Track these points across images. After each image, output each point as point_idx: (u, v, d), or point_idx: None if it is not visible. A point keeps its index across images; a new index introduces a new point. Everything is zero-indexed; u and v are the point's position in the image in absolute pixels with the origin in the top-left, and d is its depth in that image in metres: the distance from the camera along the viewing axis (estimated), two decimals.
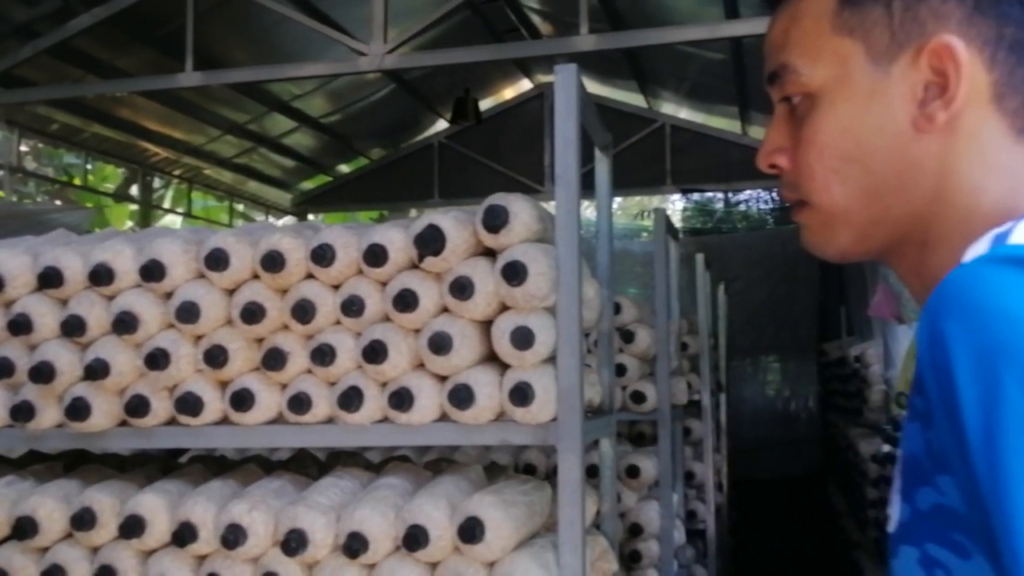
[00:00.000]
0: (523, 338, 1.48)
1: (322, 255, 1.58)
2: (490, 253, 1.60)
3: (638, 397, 2.93)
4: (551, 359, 1.52)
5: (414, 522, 1.48)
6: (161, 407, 1.65)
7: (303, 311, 1.58)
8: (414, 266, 1.57)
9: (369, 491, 1.58)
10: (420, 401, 1.52)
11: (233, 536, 1.54)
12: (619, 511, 2.71)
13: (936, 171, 0.66)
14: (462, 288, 1.50)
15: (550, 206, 1.59)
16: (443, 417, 1.55)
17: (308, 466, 1.91)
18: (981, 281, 0.54)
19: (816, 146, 0.69)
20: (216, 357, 1.61)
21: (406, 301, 1.52)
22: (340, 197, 8.41)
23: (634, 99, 7.53)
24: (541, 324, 1.49)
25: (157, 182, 7.30)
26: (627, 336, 2.97)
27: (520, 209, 1.52)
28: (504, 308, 1.54)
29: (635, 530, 2.75)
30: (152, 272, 1.63)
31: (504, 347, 1.50)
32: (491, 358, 1.57)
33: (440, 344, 1.49)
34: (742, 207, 9.29)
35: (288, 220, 8.58)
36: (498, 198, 1.53)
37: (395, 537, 1.51)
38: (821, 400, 7.60)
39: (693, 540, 3.76)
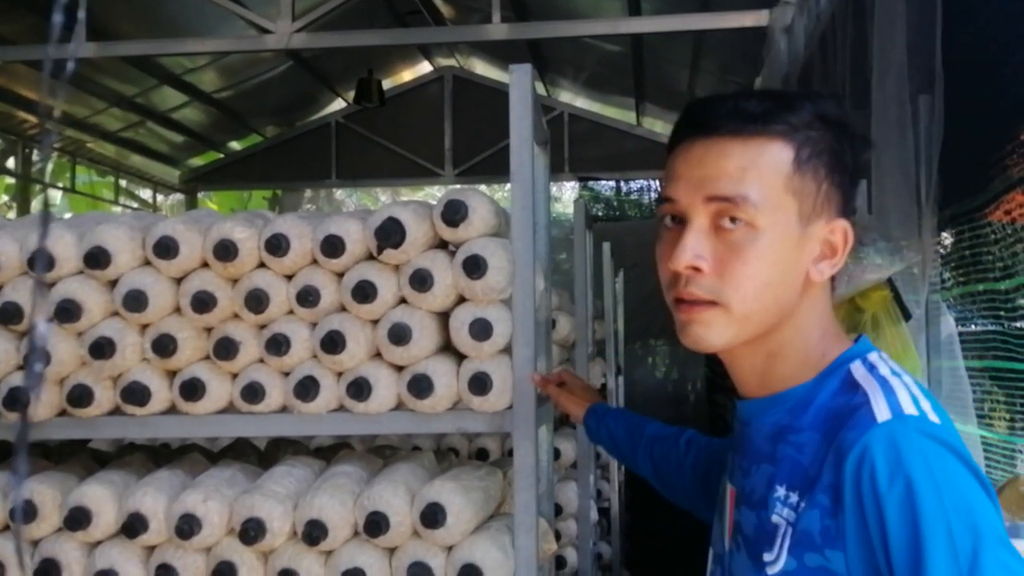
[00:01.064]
0: (482, 330, 1.53)
1: (276, 245, 1.58)
2: (444, 245, 1.64)
3: None
4: (506, 349, 1.57)
5: (375, 508, 1.51)
6: (105, 397, 1.62)
7: (256, 301, 1.58)
8: (371, 257, 1.59)
9: (325, 479, 1.60)
10: (378, 390, 1.55)
11: (188, 526, 1.53)
12: None
13: (802, 308, 0.94)
14: (422, 280, 1.53)
15: (454, 190, 1.62)
16: (399, 406, 1.58)
17: (248, 455, 1.91)
18: (918, 451, 0.83)
19: (752, 268, 0.91)
20: (165, 346, 1.59)
21: (365, 292, 1.54)
22: (231, 175, 8.17)
23: None
24: (498, 316, 1.54)
25: (36, 155, 6.90)
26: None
27: (479, 204, 1.56)
28: (460, 300, 1.58)
29: (555, 511, 2.85)
30: (96, 259, 1.59)
31: (463, 338, 1.54)
32: (446, 348, 1.61)
33: (400, 335, 1.53)
34: (633, 196, 9.55)
35: (176, 197, 8.28)
36: (456, 193, 1.57)
37: (353, 524, 1.54)
38: (708, 382, 7.93)
39: (598, 518, 3.90)
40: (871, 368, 0.93)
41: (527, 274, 1.56)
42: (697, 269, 0.92)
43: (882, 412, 0.86)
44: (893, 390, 0.89)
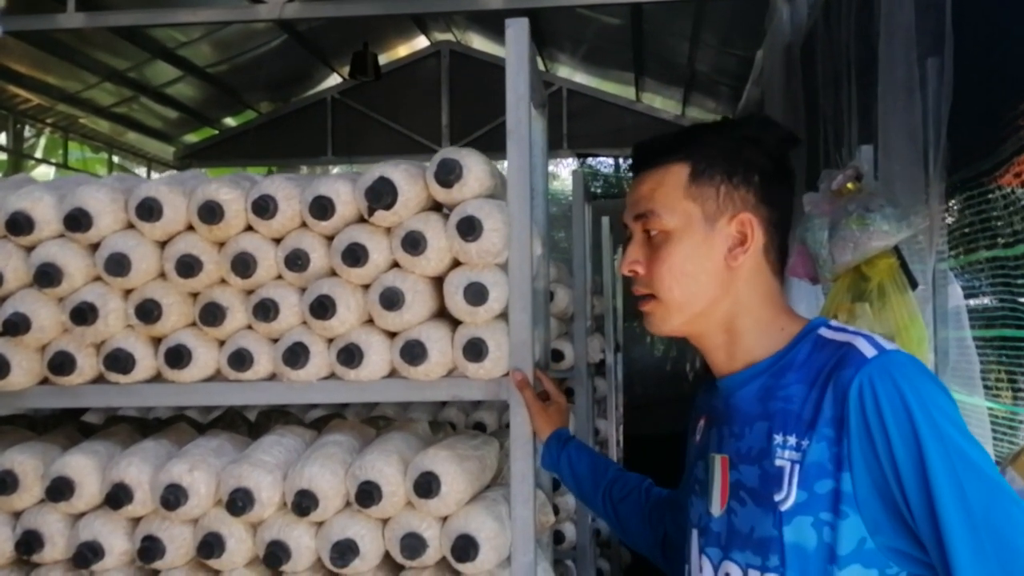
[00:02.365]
0: (477, 294, 1.47)
1: (264, 206, 1.52)
2: (438, 207, 1.58)
3: (556, 355, 2.97)
4: (503, 315, 1.52)
5: (367, 478, 1.46)
6: (88, 364, 1.56)
7: (243, 265, 1.53)
8: (362, 219, 1.53)
9: (315, 448, 1.55)
10: (370, 357, 1.50)
11: (173, 496, 1.48)
12: None
13: (734, 290, 1.16)
14: (415, 243, 1.47)
15: (448, 150, 1.56)
16: (392, 373, 1.53)
17: (239, 426, 1.86)
18: (905, 375, 1.03)
19: (668, 264, 1.16)
20: (149, 312, 1.54)
21: (356, 255, 1.49)
22: (226, 151, 8.07)
23: None
24: (494, 280, 1.49)
25: (28, 130, 6.82)
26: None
27: (474, 163, 1.50)
28: (455, 264, 1.53)
29: (554, 485, 2.80)
30: (77, 222, 1.53)
31: (457, 303, 1.49)
32: (441, 314, 1.56)
33: (392, 299, 1.47)
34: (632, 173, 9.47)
35: (171, 174, 8.20)
36: (450, 152, 1.51)
37: (345, 494, 1.49)
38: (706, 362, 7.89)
39: None
40: (838, 329, 1.13)
41: (524, 237, 1.50)
42: (635, 272, 1.19)
43: (868, 350, 1.05)
44: (869, 335, 1.09)
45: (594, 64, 7.66)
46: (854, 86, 2.84)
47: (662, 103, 7.85)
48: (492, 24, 7.19)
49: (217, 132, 8.17)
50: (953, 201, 2.21)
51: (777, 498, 1.07)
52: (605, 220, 4.32)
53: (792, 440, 1.07)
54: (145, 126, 7.64)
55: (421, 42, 7.82)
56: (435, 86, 7.68)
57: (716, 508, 1.16)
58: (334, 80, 7.88)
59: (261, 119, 7.98)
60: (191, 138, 8.18)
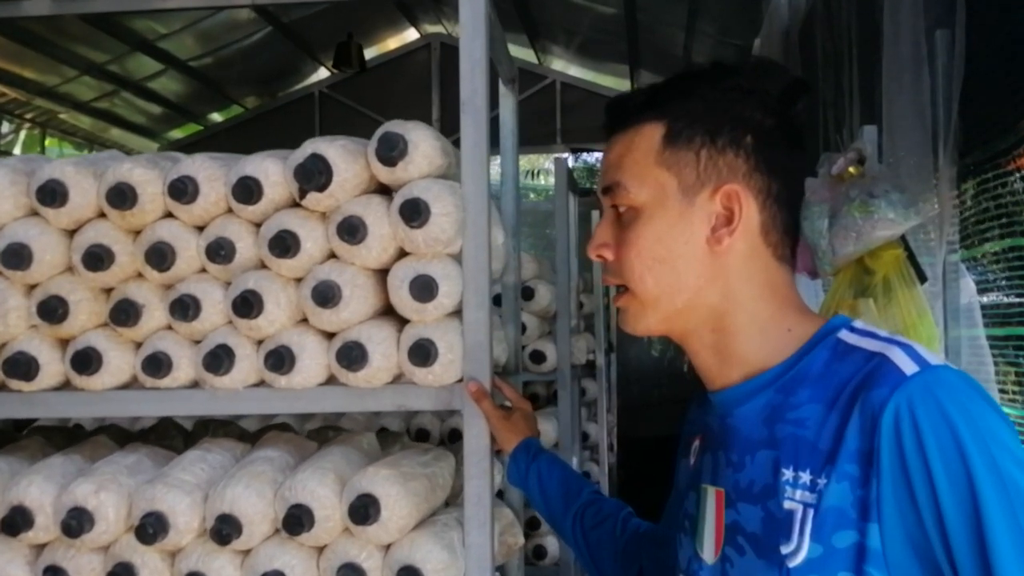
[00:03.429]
0: (424, 288, 1.28)
1: (182, 189, 1.33)
2: (384, 191, 1.39)
3: (537, 357, 2.78)
4: (456, 313, 1.33)
5: (296, 501, 1.27)
6: None
7: (160, 256, 1.33)
8: (294, 204, 1.35)
9: (242, 466, 1.36)
10: (302, 361, 1.31)
11: (77, 522, 1.29)
12: None
13: (723, 280, 0.92)
14: (353, 230, 1.28)
15: (392, 123, 1.37)
16: (330, 380, 1.34)
17: (172, 437, 1.67)
18: (957, 401, 0.78)
19: (636, 248, 0.93)
20: (53, 310, 1.35)
21: (285, 244, 1.29)
22: (211, 148, 7.55)
23: (524, 54, 7.33)
24: (445, 272, 1.30)
25: (5, 126, 6.63)
26: (526, 293, 2.81)
27: (420, 138, 1.31)
28: (402, 254, 1.33)
29: None
30: None
31: (402, 298, 1.30)
32: (386, 312, 1.37)
33: (327, 295, 1.28)
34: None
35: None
36: (394, 125, 1.32)
37: (274, 519, 1.30)
38: None
39: None
40: (865, 333, 0.89)
41: (480, 222, 1.31)
42: (602, 257, 0.97)
43: (907, 365, 0.81)
44: (908, 344, 0.85)
45: (588, 56, 7.47)
46: (856, 66, 2.65)
47: None
48: None
49: (202, 128, 7.97)
50: (965, 186, 2.02)
51: (784, 550, 0.84)
52: (595, 214, 4.13)
53: (805, 477, 0.84)
54: (127, 121, 7.45)
55: (411, 35, 7.63)
56: (425, 80, 7.48)
57: (708, 554, 0.93)
58: (322, 74, 7.69)
59: (247, 114, 7.79)
60: (176, 134, 7.99)
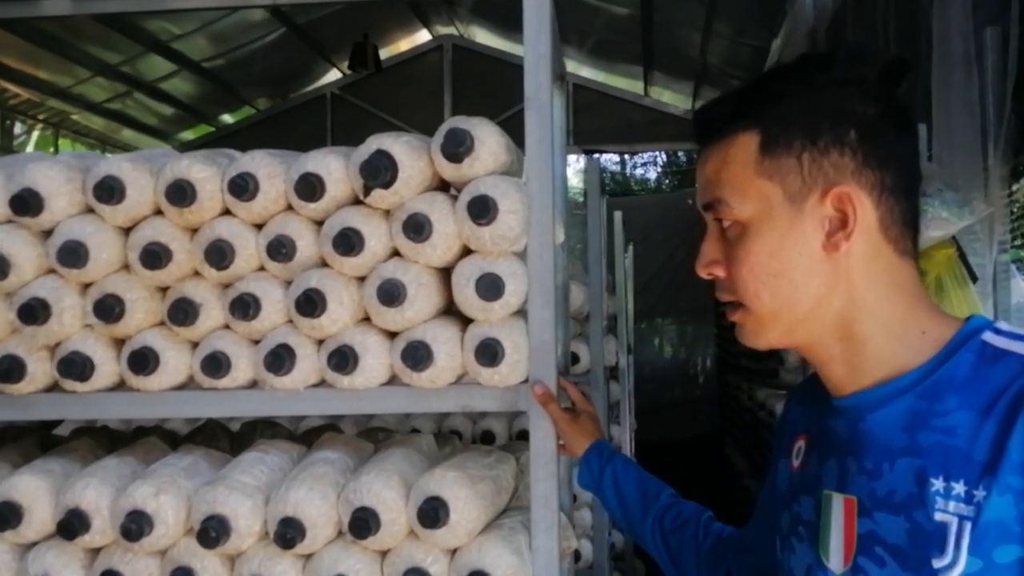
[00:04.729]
0: (491, 286, 1.26)
1: (243, 186, 1.30)
2: (445, 188, 1.37)
3: (572, 358, 2.75)
4: (520, 312, 1.31)
5: (362, 504, 1.24)
6: (40, 370, 1.35)
7: (219, 254, 1.31)
8: (356, 201, 1.32)
9: (303, 468, 1.33)
10: (366, 361, 1.28)
11: (136, 525, 1.26)
12: None
13: (845, 285, 0.87)
14: (419, 227, 1.26)
15: (457, 119, 1.35)
16: (392, 380, 1.31)
17: (219, 439, 1.64)
18: None
19: (748, 264, 0.89)
20: (110, 309, 1.32)
21: (350, 242, 1.27)
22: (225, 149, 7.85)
23: None
24: (511, 271, 1.27)
25: (19, 127, 6.62)
26: None
27: (486, 135, 1.29)
28: (465, 252, 1.31)
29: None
30: (27, 204, 1.32)
31: (468, 297, 1.27)
32: (448, 311, 1.35)
33: (392, 294, 1.26)
34: (639, 171, 9.27)
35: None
36: (460, 121, 1.29)
37: (337, 522, 1.28)
38: (719, 362, 7.68)
39: None
40: (1015, 336, 0.85)
41: (545, 219, 1.29)
42: (713, 274, 0.94)
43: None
44: None
45: (601, 57, 7.45)
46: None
47: (671, 97, 7.63)
48: (496, 17, 6.98)
49: (214, 129, 7.96)
50: (1017, 185, 1.99)
51: (937, 564, 0.81)
52: (618, 215, 4.10)
53: (959, 488, 0.80)
54: (140, 123, 7.44)
55: (423, 36, 7.62)
56: (437, 81, 7.47)
57: (836, 563, 0.89)
58: (334, 75, 7.68)
59: (259, 116, 7.78)
60: (188, 135, 7.97)
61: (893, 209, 0.89)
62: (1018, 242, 2.02)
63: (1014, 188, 1.99)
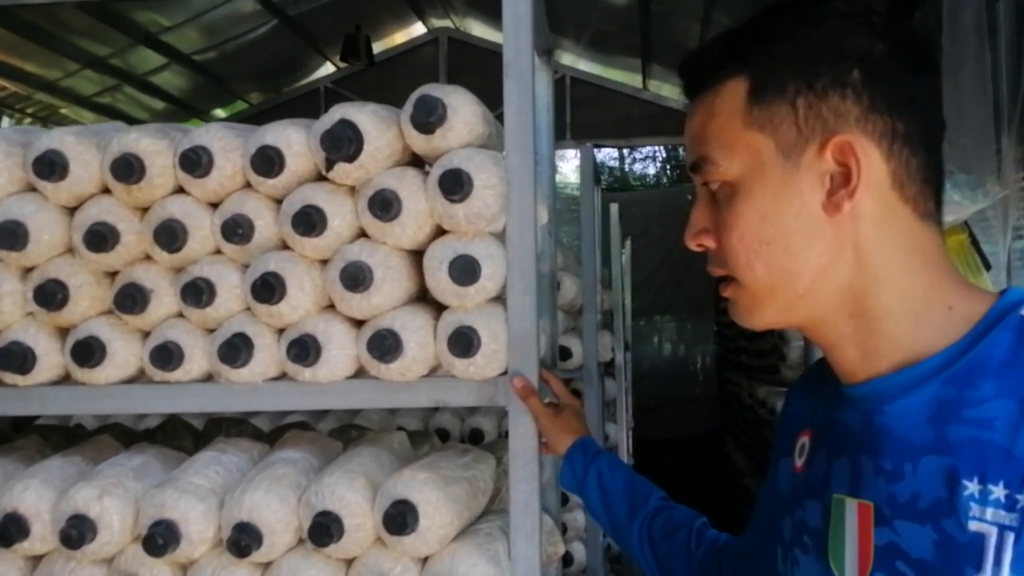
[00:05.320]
0: (466, 269, 1.15)
1: (195, 161, 1.20)
2: (417, 163, 1.26)
3: (563, 353, 2.64)
4: (498, 298, 1.20)
5: (323, 508, 1.13)
6: None
7: (170, 235, 1.20)
8: (320, 177, 1.21)
9: (261, 469, 1.22)
10: (329, 352, 1.17)
11: (77, 531, 1.16)
12: None
13: (853, 252, 0.76)
14: (386, 204, 1.15)
15: (428, 86, 1.23)
16: (359, 372, 1.20)
17: (181, 437, 1.53)
18: None
19: (738, 230, 0.78)
20: (52, 296, 1.21)
21: (311, 221, 1.16)
22: None
23: None
24: (488, 252, 1.16)
25: (6, 121, 6.51)
26: None
27: (460, 103, 1.18)
28: (439, 233, 1.20)
29: (561, 499, 2.48)
30: None
31: (440, 281, 1.16)
32: (421, 297, 1.24)
33: (357, 278, 1.15)
34: (638, 167, 9.16)
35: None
36: (431, 88, 1.19)
37: (298, 528, 1.17)
38: (718, 359, 7.58)
39: None
40: None
41: (526, 197, 1.18)
42: (703, 245, 0.83)
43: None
44: None
45: (599, 50, 7.33)
46: None
47: (670, 90, 7.51)
48: (491, 10, 6.86)
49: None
50: None
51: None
52: (614, 207, 3.99)
53: (998, 492, 0.68)
54: (130, 117, 7.30)
55: (418, 28, 7.51)
56: (433, 74, 7.35)
57: None
58: (327, 69, 7.57)
59: (252, 110, 7.67)
60: None
61: (909, 162, 0.76)
62: None
63: None
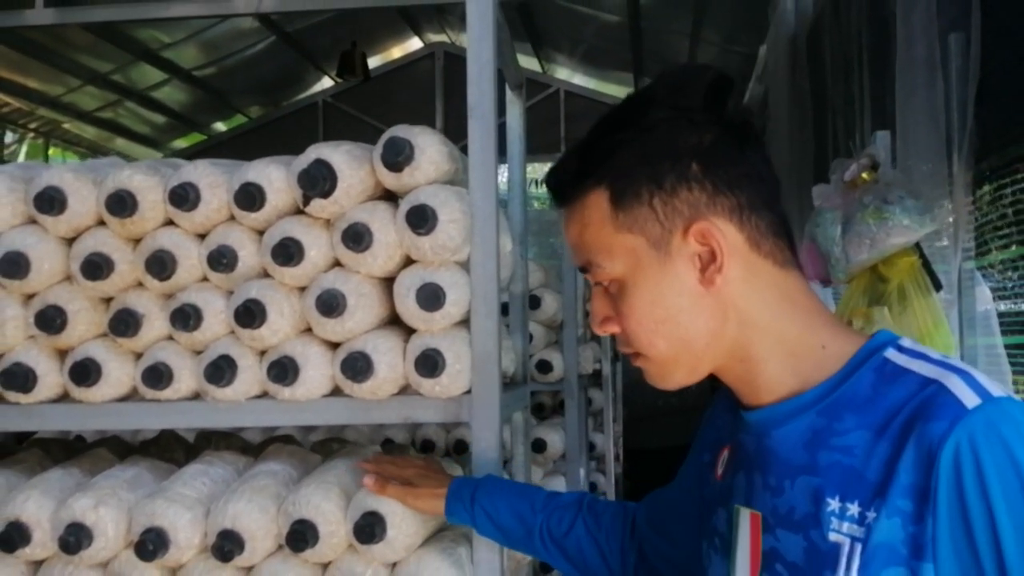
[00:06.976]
0: (431, 296, 1.25)
1: (183, 196, 1.30)
2: (391, 197, 1.36)
3: (544, 366, 2.74)
4: (464, 322, 1.30)
5: (300, 516, 1.23)
6: None
7: (160, 264, 1.30)
8: (298, 211, 1.31)
9: (244, 480, 1.32)
10: (306, 372, 1.27)
11: (75, 538, 1.26)
12: None
13: (733, 311, 0.86)
14: (358, 237, 1.25)
15: (398, 128, 1.31)
16: (335, 391, 1.30)
17: (173, 450, 1.63)
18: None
19: (634, 317, 0.88)
20: (52, 320, 1.32)
21: (289, 252, 1.26)
22: (215, 157, 7.79)
23: (528, 63, 7.31)
24: (452, 280, 1.26)
25: (9, 136, 6.63)
26: (532, 302, 2.78)
27: (427, 143, 1.28)
28: (408, 262, 1.30)
29: None
30: None
31: (408, 307, 1.26)
32: (392, 321, 1.34)
33: (331, 304, 1.25)
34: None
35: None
36: (400, 130, 1.29)
37: (277, 535, 1.27)
38: None
39: None
40: (916, 354, 0.83)
41: (488, 229, 1.28)
42: (609, 331, 0.93)
43: (968, 396, 0.76)
44: (966, 370, 0.79)
45: (592, 65, 7.45)
46: (867, 72, 2.62)
47: None
48: None
49: (206, 138, 7.97)
50: (981, 192, 1.98)
51: None
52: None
53: (853, 509, 0.79)
54: (132, 131, 7.44)
55: (414, 43, 7.63)
56: (429, 89, 7.47)
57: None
58: (325, 83, 7.68)
59: (251, 124, 7.78)
60: (180, 144, 7.98)
61: (758, 225, 0.87)
62: (984, 248, 2.01)
63: (978, 194, 1.98)
